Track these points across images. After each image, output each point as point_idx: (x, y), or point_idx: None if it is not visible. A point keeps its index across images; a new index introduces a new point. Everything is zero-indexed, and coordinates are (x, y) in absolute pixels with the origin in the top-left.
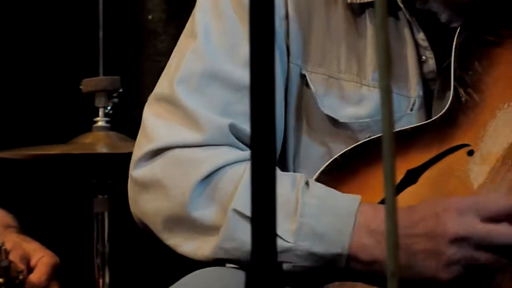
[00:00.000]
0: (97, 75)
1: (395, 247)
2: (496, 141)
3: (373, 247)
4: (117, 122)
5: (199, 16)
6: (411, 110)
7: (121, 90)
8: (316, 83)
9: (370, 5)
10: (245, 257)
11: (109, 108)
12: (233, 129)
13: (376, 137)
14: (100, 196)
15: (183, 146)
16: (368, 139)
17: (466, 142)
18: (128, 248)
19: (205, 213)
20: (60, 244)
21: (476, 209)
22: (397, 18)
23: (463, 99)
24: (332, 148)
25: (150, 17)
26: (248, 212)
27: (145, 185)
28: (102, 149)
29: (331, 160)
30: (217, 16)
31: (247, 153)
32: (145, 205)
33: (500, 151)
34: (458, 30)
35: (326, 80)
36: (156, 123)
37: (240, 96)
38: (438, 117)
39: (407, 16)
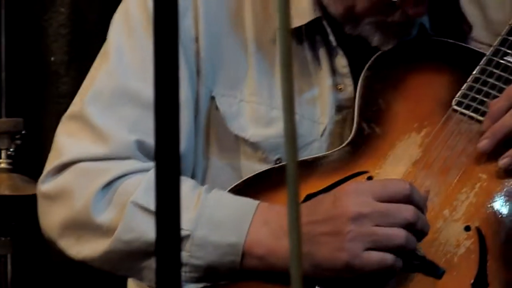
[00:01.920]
0: (0, 117)
1: (299, 279)
2: (395, 168)
3: (269, 238)
4: (20, 164)
5: (112, 36)
6: (321, 136)
7: (24, 132)
8: (225, 106)
9: None
10: (144, 247)
11: (11, 150)
12: (140, 145)
13: (279, 166)
14: (3, 238)
15: (89, 159)
16: (271, 167)
17: (365, 169)
18: None
19: (105, 215)
20: None
21: (373, 190)
22: (315, 44)
23: (365, 132)
24: (243, 171)
25: (52, 59)
26: (147, 204)
27: (52, 197)
28: (4, 191)
29: (232, 186)
30: (128, 34)
31: (151, 164)
32: (52, 217)
33: (397, 177)
34: (365, 70)
35: (236, 104)
36: (66, 140)
37: (149, 113)
38: (340, 148)
39: (332, 41)
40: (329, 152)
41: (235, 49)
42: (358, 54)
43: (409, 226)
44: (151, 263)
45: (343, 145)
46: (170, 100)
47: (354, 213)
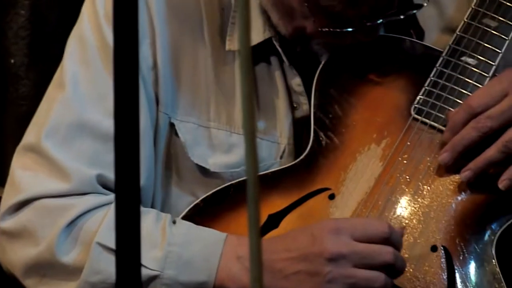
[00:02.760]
0: None
1: None
2: (357, 184)
3: (241, 274)
4: None
5: (68, 64)
6: (281, 157)
7: None
8: (185, 132)
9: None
10: None
11: None
12: (100, 179)
13: (237, 182)
14: None
15: (50, 196)
16: (229, 183)
17: (327, 186)
18: None
19: (70, 256)
20: None
21: (352, 230)
22: (270, 64)
23: (323, 142)
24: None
25: (12, 61)
26: (111, 244)
27: (13, 235)
28: None
29: (192, 205)
30: (85, 64)
31: (111, 196)
32: (14, 254)
33: (361, 194)
34: (317, 74)
35: (195, 129)
36: (23, 175)
37: (108, 146)
38: (298, 161)
39: (285, 61)
40: (288, 165)
41: (193, 74)
42: (312, 71)
43: (388, 268)
44: None
45: (302, 157)
46: (130, 133)
47: (333, 254)
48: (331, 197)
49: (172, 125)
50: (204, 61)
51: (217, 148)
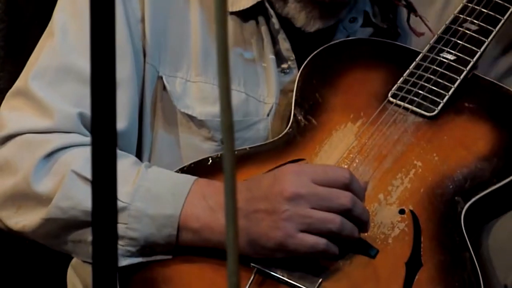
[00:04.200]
0: None
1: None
2: (330, 155)
3: (204, 213)
4: None
5: (58, 16)
6: (268, 115)
7: None
8: (173, 86)
9: (232, 13)
10: (81, 216)
11: None
12: (83, 118)
13: (215, 155)
14: None
15: (33, 131)
16: (208, 156)
17: (301, 157)
18: None
19: (45, 184)
20: None
21: (313, 173)
22: (260, 28)
23: (302, 124)
24: (188, 148)
25: None
26: (86, 174)
27: None
28: None
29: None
30: (74, 16)
31: None
32: None
33: (333, 163)
34: (303, 66)
35: (183, 83)
36: (10, 114)
37: None
38: (276, 139)
39: (275, 23)
40: (265, 142)
41: (181, 28)
42: (300, 40)
43: (346, 212)
44: (87, 236)
45: (279, 136)
46: (107, 74)
47: (291, 193)
48: None
49: (159, 78)
50: (193, 17)
51: (204, 100)
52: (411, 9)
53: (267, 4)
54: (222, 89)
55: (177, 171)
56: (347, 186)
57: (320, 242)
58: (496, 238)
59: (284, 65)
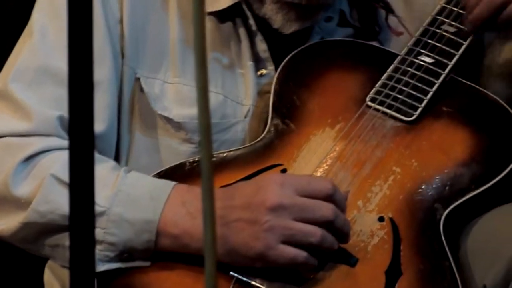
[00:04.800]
0: None
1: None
2: (309, 160)
3: (184, 219)
4: None
5: (36, 16)
6: (245, 117)
7: None
8: (150, 87)
9: (210, 13)
10: (59, 220)
11: None
12: (62, 120)
13: (192, 159)
14: None
15: (12, 135)
16: (184, 160)
17: (279, 162)
18: None
19: (24, 188)
20: None
21: (296, 184)
22: (238, 29)
23: (279, 127)
24: (165, 150)
25: None
26: (65, 178)
27: None
28: None
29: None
30: (53, 16)
31: None
32: None
33: (311, 169)
34: (279, 68)
35: (161, 85)
36: None
37: None
38: (253, 143)
39: (253, 25)
40: (243, 146)
41: (159, 30)
42: (278, 41)
43: (327, 224)
44: (65, 240)
45: (257, 140)
46: (84, 76)
47: (273, 204)
48: (283, 171)
49: (137, 80)
50: (171, 18)
51: (181, 102)
52: (389, 10)
53: (244, 5)
54: (199, 89)
55: (153, 176)
56: (330, 197)
57: (300, 254)
58: (475, 239)
59: (261, 67)
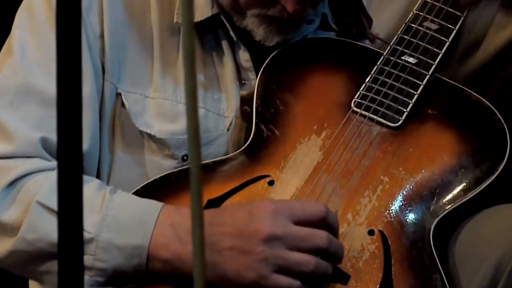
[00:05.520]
0: None
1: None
2: (296, 172)
3: (174, 242)
4: None
5: (16, 33)
6: (228, 130)
7: None
8: (131, 102)
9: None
10: (47, 248)
11: None
12: (44, 142)
13: (178, 170)
14: None
15: None
16: (170, 171)
17: (266, 173)
18: None
19: (9, 214)
20: None
21: (289, 212)
22: (219, 40)
23: (264, 134)
24: (148, 167)
25: None
26: (51, 204)
27: None
28: None
29: (133, 191)
30: (33, 34)
31: (55, 163)
32: None
33: (299, 181)
34: (261, 71)
35: (141, 100)
36: None
37: (53, 111)
38: (239, 151)
39: (233, 36)
40: (229, 155)
41: (139, 45)
42: (260, 50)
43: (321, 252)
44: (54, 267)
45: (242, 148)
46: (73, 98)
47: (267, 234)
48: (271, 183)
49: (118, 95)
50: (152, 33)
51: (163, 117)
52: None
53: (222, 17)
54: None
55: (140, 188)
56: (323, 222)
57: (293, 284)
58: (462, 242)
59: (244, 76)
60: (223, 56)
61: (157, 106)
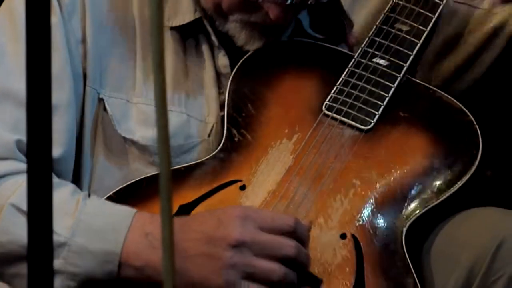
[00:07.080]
0: None
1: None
2: (268, 176)
3: (146, 251)
4: None
5: None
6: (209, 136)
7: None
8: (113, 107)
9: (172, 28)
10: (19, 251)
11: None
12: (20, 145)
13: (149, 175)
14: None
15: None
16: (141, 177)
17: (238, 178)
18: None
19: None
20: None
21: (259, 220)
22: (200, 45)
23: (236, 139)
24: (130, 173)
25: None
26: (24, 206)
27: None
28: None
29: (105, 197)
30: (13, 37)
31: None
32: None
33: (271, 185)
34: (232, 75)
35: (124, 105)
36: None
37: None
38: (211, 156)
39: (214, 41)
40: (200, 160)
41: (122, 50)
42: (241, 55)
43: (290, 262)
44: (24, 270)
45: (214, 153)
46: (42, 103)
47: (235, 240)
48: (242, 188)
49: (100, 100)
50: (134, 38)
51: (145, 122)
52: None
53: (205, 21)
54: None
55: (113, 194)
56: (292, 234)
57: None
58: (435, 246)
59: (222, 83)
60: (204, 62)
61: (140, 111)
